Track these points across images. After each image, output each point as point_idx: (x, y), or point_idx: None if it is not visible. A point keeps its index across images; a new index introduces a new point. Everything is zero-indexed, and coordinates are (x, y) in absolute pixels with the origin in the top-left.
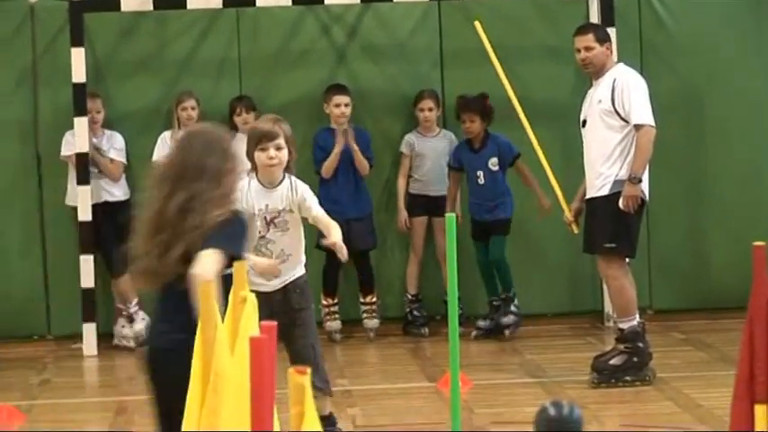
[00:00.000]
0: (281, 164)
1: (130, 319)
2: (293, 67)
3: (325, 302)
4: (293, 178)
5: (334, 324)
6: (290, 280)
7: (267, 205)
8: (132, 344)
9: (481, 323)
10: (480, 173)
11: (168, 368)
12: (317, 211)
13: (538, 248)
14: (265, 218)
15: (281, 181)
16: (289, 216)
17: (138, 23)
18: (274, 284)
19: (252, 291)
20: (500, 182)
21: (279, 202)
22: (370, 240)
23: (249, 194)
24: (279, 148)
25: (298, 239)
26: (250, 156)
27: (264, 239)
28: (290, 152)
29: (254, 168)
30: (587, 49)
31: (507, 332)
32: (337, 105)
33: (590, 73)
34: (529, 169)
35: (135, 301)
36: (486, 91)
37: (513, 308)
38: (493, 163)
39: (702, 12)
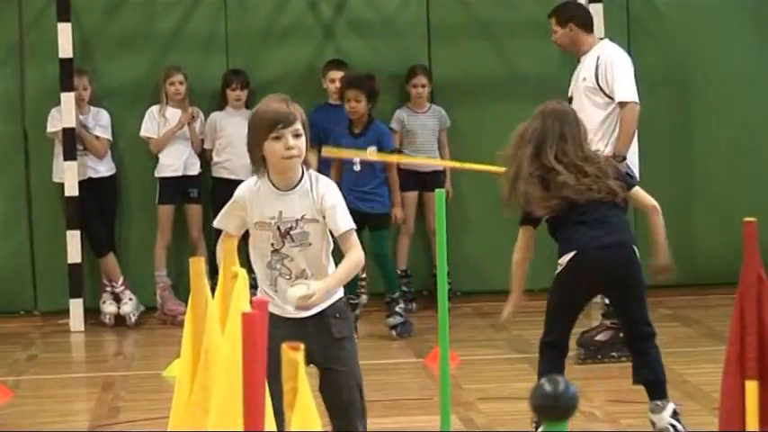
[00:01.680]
0: (301, 155)
1: (116, 298)
2: (280, 43)
3: None
4: (315, 175)
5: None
6: (328, 303)
7: (281, 212)
8: (113, 321)
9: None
10: (357, 159)
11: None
12: (344, 226)
13: None
14: (279, 228)
15: (300, 180)
16: (310, 226)
17: None
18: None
19: (274, 315)
20: (377, 172)
21: (296, 209)
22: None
23: (257, 199)
24: (297, 135)
25: (324, 254)
26: (257, 148)
27: (279, 255)
28: (307, 141)
29: (262, 165)
30: (553, 32)
31: (394, 333)
32: (332, 81)
33: (567, 53)
34: (396, 171)
35: (121, 280)
36: (473, 66)
37: (398, 309)
38: (371, 151)
39: None
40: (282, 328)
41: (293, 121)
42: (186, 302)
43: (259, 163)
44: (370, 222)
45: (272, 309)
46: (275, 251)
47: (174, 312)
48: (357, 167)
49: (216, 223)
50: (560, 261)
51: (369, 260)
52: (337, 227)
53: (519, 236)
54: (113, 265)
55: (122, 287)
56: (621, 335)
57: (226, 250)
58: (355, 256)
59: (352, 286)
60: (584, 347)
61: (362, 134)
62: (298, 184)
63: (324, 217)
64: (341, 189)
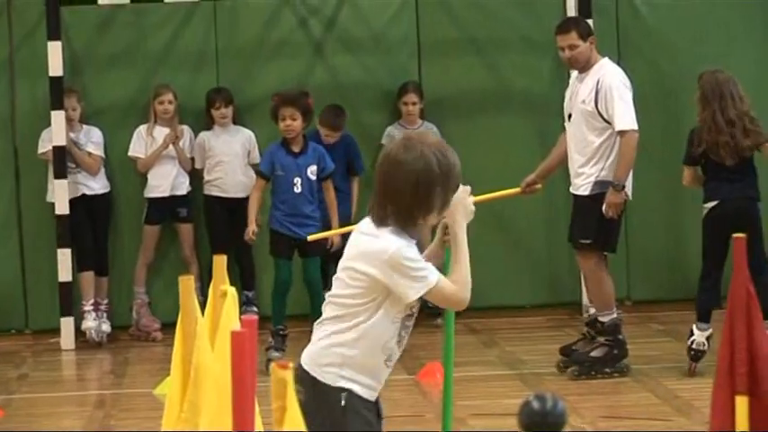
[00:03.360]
0: None
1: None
2: (270, 60)
3: None
4: None
5: None
6: None
7: None
8: (96, 337)
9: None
10: (298, 180)
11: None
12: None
13: (516, 240)
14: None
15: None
16: None
17: (116, 16)
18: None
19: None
20: (315, 193)
21: None
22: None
23: None
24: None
25: None
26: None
27: (410, 321)
28: None
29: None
30: (571, 47)
31: None
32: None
33: (577, 69)
34: (333, 192)
35: (91, 301)
36: (464, 82)
37: None
38: (312, 171)
39: (680, 4)
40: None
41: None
42: (168, 320)
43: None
44: (302, 247)
45: (372, 397)
46: (410, 316)
47: (148, 329)
48: (298, 189)
49: (431, 277)
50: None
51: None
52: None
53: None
54: (89, 283)
55: (90, 307)
56: (615, 351)
57: (215, 270)
58: None
59: (282, 315)
60: (579, 364)
61: (302, 153)
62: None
63: None
64: (273, 212)
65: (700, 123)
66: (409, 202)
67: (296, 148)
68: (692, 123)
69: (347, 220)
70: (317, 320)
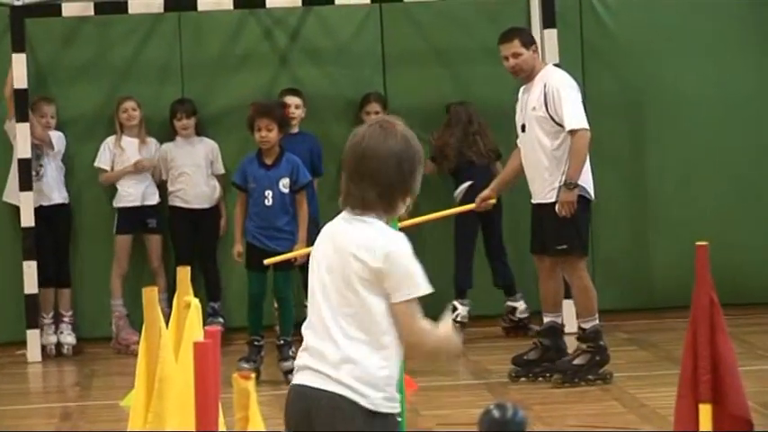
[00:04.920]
0: None
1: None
2: (236, 71)
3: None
4: None
5: None
6: None
7: None
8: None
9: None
10: (269, 193)
11: None
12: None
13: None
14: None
15: None
16: None
17: (80, 29)
18: None
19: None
20: (288, 206)
21: None
22: None
23: None
24: None
25: None
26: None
27: None
28: None
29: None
30: (515, 55)
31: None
32: (287, 106)
33: (521, 78)
34: (306, 206)
35: (51, 314)
36: (429, 93)
37: (291, 352)
38: (284, 184)
39: (643, 13)
40: None
41: None
42: (141, 332)
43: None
44: (275, 262)
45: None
46: None
47: (128, 342)
48: (269, 201)
49: (419, 289)
50: None
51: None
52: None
53: None
54: (47, 299)
55: (50, 320)
56: (598, 358)
57: (179, 281)
58: None
59: (288, 325)
60: (562, 372)
61: (275, 165)
62: None
63: None
64: (247, 224)
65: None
66: (392, 183)
67: (268, 161)
68: (655, 133)
69: (313, 221)
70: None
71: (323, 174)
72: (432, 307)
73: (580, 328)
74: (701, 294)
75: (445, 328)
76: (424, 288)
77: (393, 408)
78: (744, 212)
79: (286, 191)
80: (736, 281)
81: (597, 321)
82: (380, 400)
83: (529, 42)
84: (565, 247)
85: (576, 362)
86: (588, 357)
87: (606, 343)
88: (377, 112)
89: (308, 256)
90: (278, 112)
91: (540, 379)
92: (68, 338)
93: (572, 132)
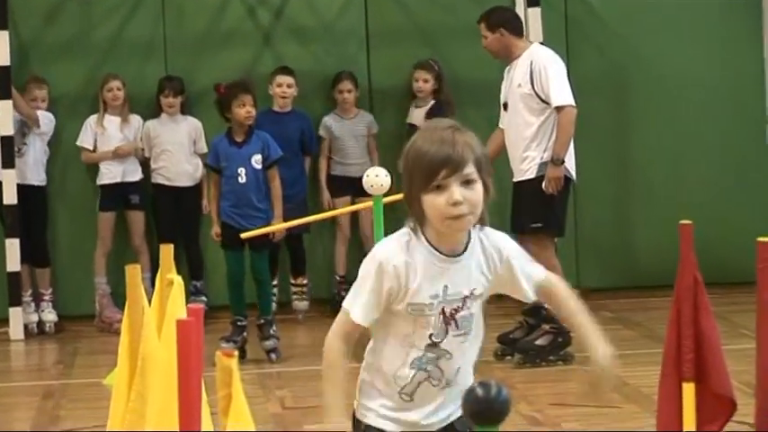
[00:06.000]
0: (475, 212)
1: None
2: (219, 49)
3: (294, 282)
4: (484, 231)
5: (302, 304)
6: (459, 413)
7: (446, 288)
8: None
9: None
10: (242, 170)
11: None
12: (541, 270)
13: None
14: (443, 311)
15: (468, 242)
16: (476, 306)
17: (63, 6)
18: (431, 422)
19: None
20: (261, 184)
21: (465, 281)
22: (303, 224)
23: (413, 269)
24: (468, 183)
25: (478, 342)
26: (415, 200)
27: (436, 351)
28: (485, 187)
29: (420, 221)
30: (483, 38)
31: (274, 356)
32: (279, 85)
33: (498, 59)
34: (278, 182)
35: (29, 293)
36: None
37: (272, 331)
38: (257, 160)
39: None
40: None
41: (462, 165)
42: (124, 310)
43: (419, 217)
44: (251, 241)
45: (389, 427)
46: (433, 345)
47: (111, 320)
48: (242, 179)
49: (346, 303)
50: None
51: (308, 265)
52: (536, 273)
53: None
54: (25, 278)
55: (29, 298)
56: (560, 339)
57: (162, 259)
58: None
59: (267, 305)
60: (524, 352)
61: (245, 142)
62: (466, 247)
63: (500, 283)
64: (222, 204)
65: None
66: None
67: (239, 138)
68: (640, 113)
69: (302, 203)
70: None
71: (314, 153)
72: None
73: (544, 308)
74: (685, 273)
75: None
76: (348, 304)
77: (363, 416)
78: (728, 192)
79: (259, 167)
80: (719, 260)
81: None
82: (356, 405)
83: (495, 25)
84: (540, 225)
85: (537, 342)
86: (551, 338)
87: None
88: (349, 90)
89: (284, 232)
90: (253, 88)
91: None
92: (50, 316)
93: (559, 109)
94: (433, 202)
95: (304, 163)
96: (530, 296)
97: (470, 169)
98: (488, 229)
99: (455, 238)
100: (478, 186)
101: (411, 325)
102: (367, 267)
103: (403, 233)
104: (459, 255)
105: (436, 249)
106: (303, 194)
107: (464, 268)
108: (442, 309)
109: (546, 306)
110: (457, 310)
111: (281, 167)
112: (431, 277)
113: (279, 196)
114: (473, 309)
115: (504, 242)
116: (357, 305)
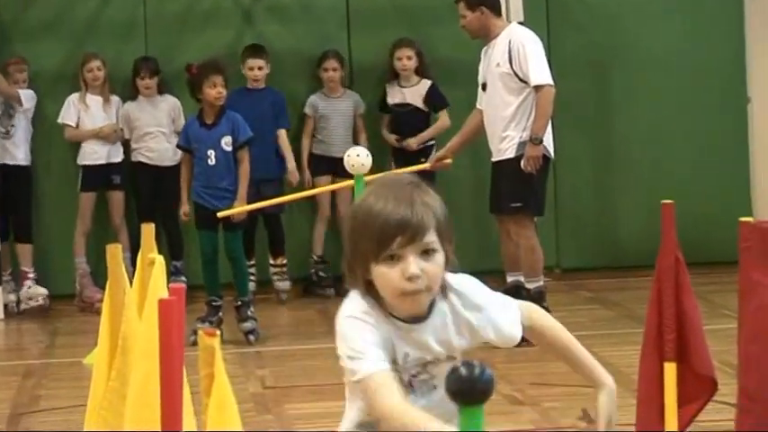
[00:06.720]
0: (433, 287)
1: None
2: (200, 29)
3: (274, 262)
4: (455, 291)
5: (283, 284)
6: None
7: (407, 354)
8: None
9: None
10: (212, 152)
11: None
12: (517, 331)
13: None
14: (400, 378)
15: (434, 302)
16: (445, 364)
17: None
18: None
19: None
20: (231, 165)
21: (430, 346)
22: (280, 203)
23: (385, 334)
24: (427, 253)
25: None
26: (359, 268)
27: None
28: (447, 258)
29: (365, 288)
30: (462, 17)
31: (252, 338)
32: (251, 69)
33: (476, 38)
34: (247, 163)
35: (9, 271)
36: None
37: (249, 312)
38: (226, 142)
39: None
40: None
41: (421, 231)
42: (105, 289)
43: (365, 287)
44: (224, 220)
45: None
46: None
47: (92, 300)
48: (212, 161)
49: (358, 375)
50: None
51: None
52: (516, 316)
53: None
54: (5, 256)
55: (8, 277)
56: None
57: (144, 237)
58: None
59: (243, 286)
60: None
61: (215, 124)
62: (429, 311)
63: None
64: (194, 185)
65: None
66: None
67: (209, 120)
68: (621, 93)
69: (277, 181)
70: None
71: (289, 128)
72: None
73: (524, 288)
74: (667, 253)
75: None
76: (361, 374)
77: None
78: (710, 172)
79: (229, 149)
80: (701, 240)
81: (542, 283)
82: None
83: (475, 4)
84: (519, 205)
85: None
86: None
87: (548, 305)
88: (334, 69)
89: (246, 213)
90: (225, 70)
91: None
92: (39, 290)
93: (537, 88)
94: (384, 275)
95: (278, 139)
96: (516, 340)
97: (431, 237)
98: (456, 289)
99: (412, 311)
100: (439, 257)
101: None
102: (345, 327)
103: (353, 298)
104: (421, 321)
105: (393, 316)
106: (278, 172)
107: (428, 334)
108: (399, 377)
109: (527, 287)
110: (415, 376)
111: (253, 146)
112: (392, 343)
113: (246, 177)
114: (435, 372)
115: (479, 297)
116: (366, 359)
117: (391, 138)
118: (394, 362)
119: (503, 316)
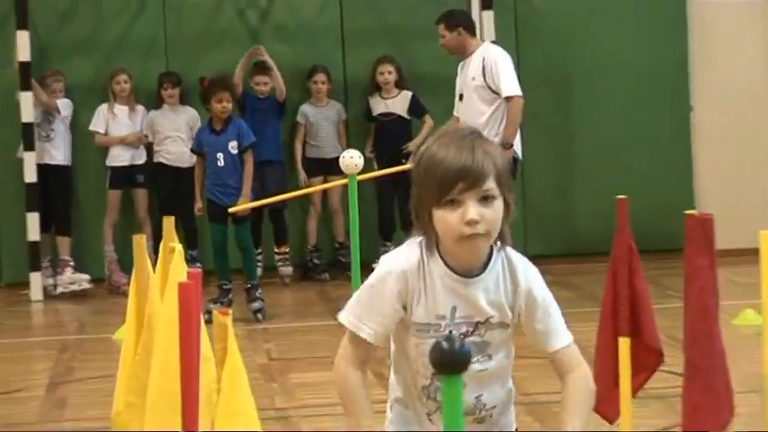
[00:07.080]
0: (491, 233)
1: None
2: (214, 47)
3: (278, 250)
4: (509, 254)
5: (287, 269)
6: None
7: (454, 309)
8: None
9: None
10: (220, 155)
11: None
12: (564, 339)
13: None
14: (450, 334)
15: (488, 262)
16: (496, 334)
17: (77, 7)
18: None
19: None
20: (238, 166)
21: (479, 306)
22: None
23: (423, 286)
24: (486, 199)
25: (502, 375)
26: (424, 214)
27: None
28: (506, 205)
29: (432, 237)
30: (441, 36)
31: (260, 316)
32: (257, 84)
33: (456, 55)
34: (252, 164)
35: (48, 258)
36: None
37: (258, 294)
38: (233, 146)
39: None
40: None
41: (481, 178)
42: (131, 274)
43: (427, 231)
44: (233, 214)
45: None
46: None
47: (119, 283)
48: (221, 163)
49: (344, 319)
50: None
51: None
52: (553, 341)
53: None
54: (46, 245)
55: (48, 264)
56: None
57: (165, 229)
58: (586, 378)
59: (252, 271)
60: None
61: (223, 131)
62: (485, 268)
63: (523, 314)
64: (206, 183)
65: None
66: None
67: (218, 127)
68: (578, 100)
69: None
70: None
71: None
72: None
73: None
74: (621, 242)
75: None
76: (352, 323)
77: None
78: (658, 172)
79: (235, 152)
80: (651, 230)
81: None
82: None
83: (453, 26)
84: None
85: None
86: None
87: None
88: (323, 82)
89: (249, 208)
90: (231, 84)
91: None
92: (82, 276)
93: (508, 99)
94: (445, 219)
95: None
96: (542, 347)
97: (490, 184)
98: (512, 253)
99: (470, 256)
100: (498, 204)
101: (415, 349)
102: (374, 276)
103: (411, 245)
104: (475, 276)
105: (449, 267)
106: (278, 155)
107: (479, 291)
108: (450, 332)
109: None
110: (466, 335)
111: (257, 134)
112: (439, 296)
113: (250, 176)
114: (488, 337)
115: (531, 275)
116: (365, 322)
117: (369, 153)
118: (441, 316)
119: (557, 319)
